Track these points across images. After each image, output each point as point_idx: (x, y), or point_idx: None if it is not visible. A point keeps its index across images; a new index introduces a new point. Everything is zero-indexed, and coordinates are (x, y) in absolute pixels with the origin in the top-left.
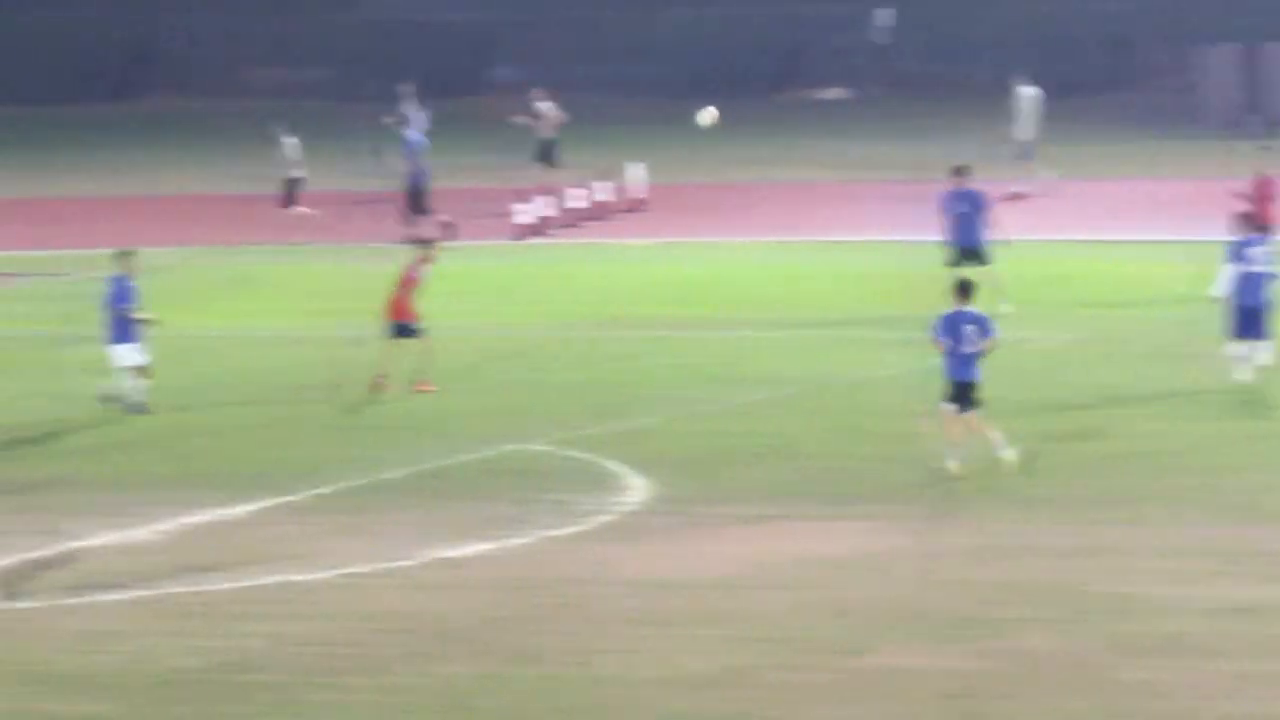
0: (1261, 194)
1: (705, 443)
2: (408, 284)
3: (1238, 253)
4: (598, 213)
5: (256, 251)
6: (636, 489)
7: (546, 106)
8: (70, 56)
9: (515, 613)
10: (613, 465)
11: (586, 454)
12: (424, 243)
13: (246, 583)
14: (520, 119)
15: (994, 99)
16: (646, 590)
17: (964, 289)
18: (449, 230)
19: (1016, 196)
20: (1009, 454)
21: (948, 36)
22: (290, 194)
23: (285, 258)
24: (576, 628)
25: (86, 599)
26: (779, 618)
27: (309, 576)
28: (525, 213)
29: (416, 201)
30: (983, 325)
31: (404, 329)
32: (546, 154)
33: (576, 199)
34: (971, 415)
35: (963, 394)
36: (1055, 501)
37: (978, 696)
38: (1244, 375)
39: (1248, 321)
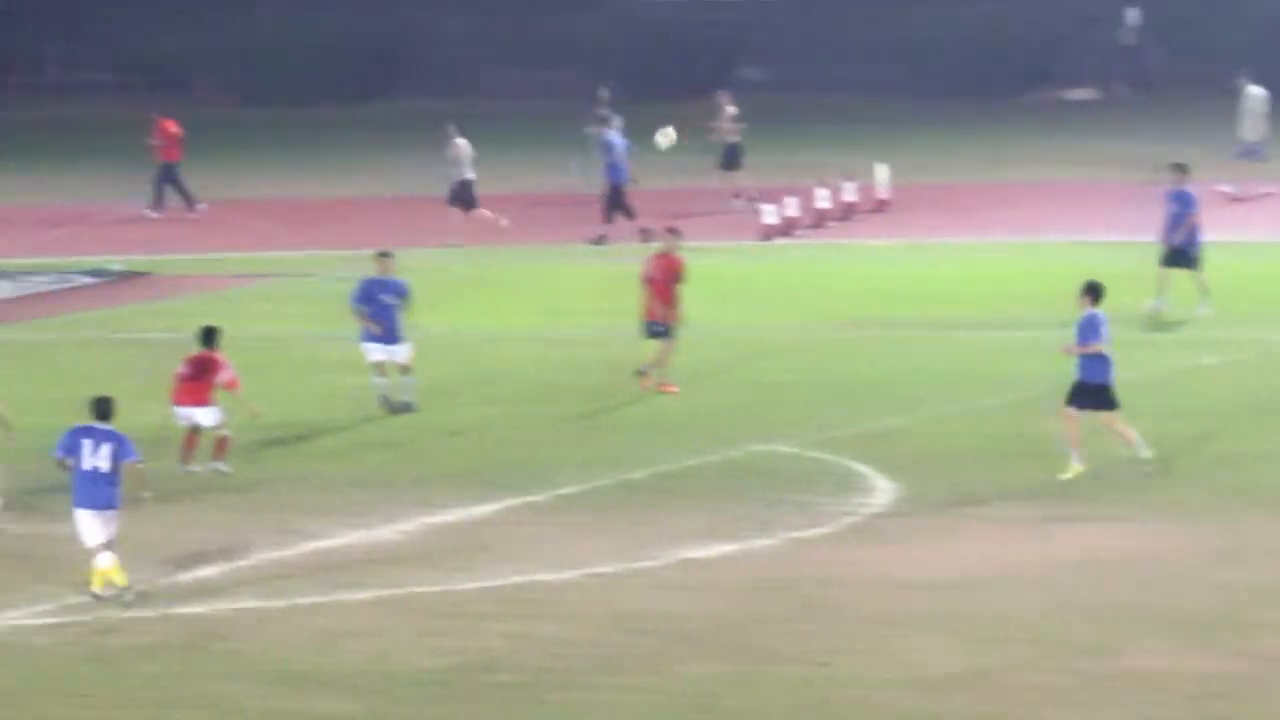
0: None
1: (951, 444)
2: (659, 283)
3: None
4: (843, 213)
5: (494, 253)
6: (882, 490)
7: (730, 111)
8: (317, 59)
9: (759, 614)
10: (858, 466)
11: (832, 455)
12: (669, 236)
13: (490, 582)
14: (711, 125)
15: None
16: (891, 591)
17: (1094, 290)
18: (645, 235)
19: (1265, 196)
20: (1146, 453)
21: (1195, 35)
22: (463, 196)
23: (520, 259)
24: (820, 629)
25: (329, 598)
26: (1024, 619)
27: (553, 576)
28: (771, 213)
29: (616, 203)
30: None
31: (655, 329)
32: (731, 158)
33: (822, 200)
34: (1111, 416)
35: (1097, 396)
36: None
37: (1228, 699)
38: None
39: None
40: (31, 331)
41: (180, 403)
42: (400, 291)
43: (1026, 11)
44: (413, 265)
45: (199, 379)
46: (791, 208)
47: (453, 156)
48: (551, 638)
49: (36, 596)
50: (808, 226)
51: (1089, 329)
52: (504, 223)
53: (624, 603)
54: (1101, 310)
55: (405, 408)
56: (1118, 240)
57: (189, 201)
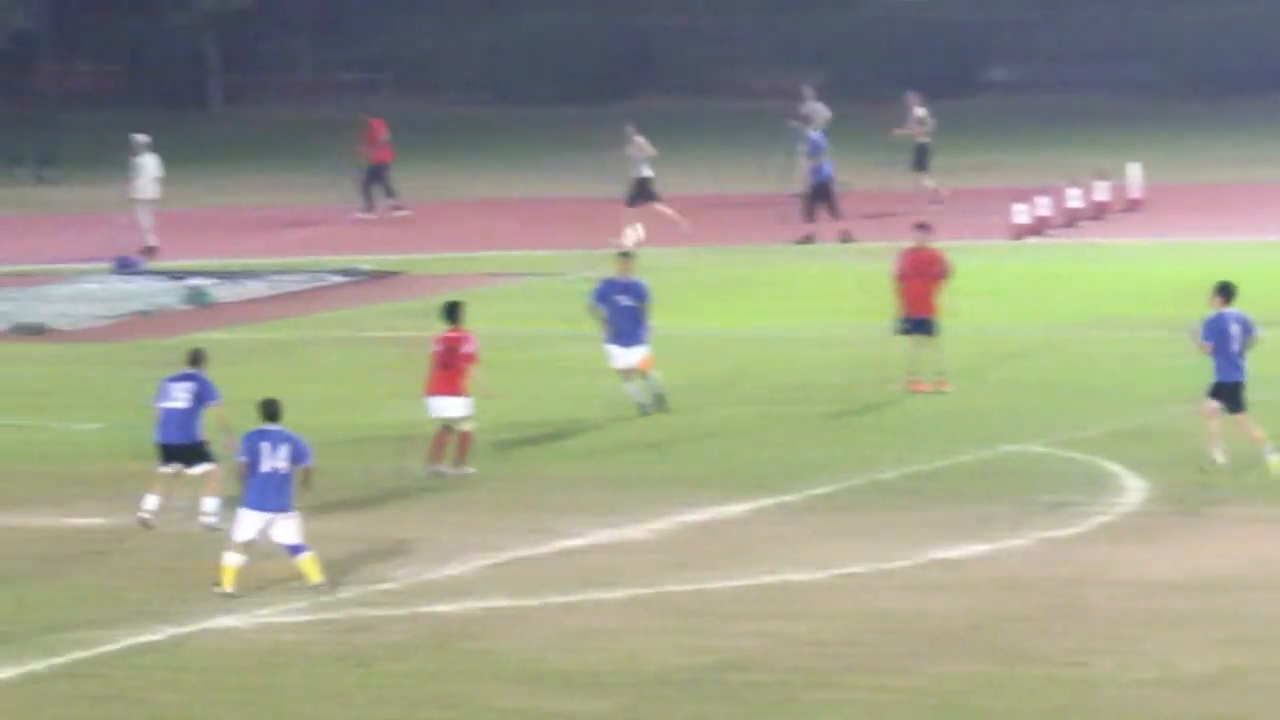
0: None
1: (1202, 443)
2: (911, 278)
3: None
4: (1095, 212)
5: (752, 251)
6: (1133, 490)
7: (922, 112)
8: (565, 59)
9: (1011, 613)
10: (1110, 466)
11: (1083, 455)
12: (920, 232)
13: (742, 582)
14: (900, 131)
15: None
16: (1143, 591)
17: (1225, 291)
18: (845, 236)
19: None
20: (1275, 458)
21: None
22: (643, 193)
23: (781, 258)
24: (1073, 628)
25: (580, 597)
26: (1278, 618)
27: (805, 576)
28: (1023, 213)
29: (820, 201)
30: (1245, 325)
31: (921, 324)
32: (920, 159)
33: (1074, 199)
34: (1241, 416)
35: (1231, 395)
36: None
37: None
38: None
39: None
40: (284, 330)
41: (434, 392)
42: (639, 294)
43: (1277, 11)
44: (655, 265)
45: (451, 365)
46: (1043, 207)
47: (631, 154)
48: (803, 637)
49: (286, 595)
50: (1060, 226)
51: (1213, 329)
52: (685, 227)
53: (875, 602)
54: (1235, 309)
55: (657, 405)
56: None
57: (395, 203)
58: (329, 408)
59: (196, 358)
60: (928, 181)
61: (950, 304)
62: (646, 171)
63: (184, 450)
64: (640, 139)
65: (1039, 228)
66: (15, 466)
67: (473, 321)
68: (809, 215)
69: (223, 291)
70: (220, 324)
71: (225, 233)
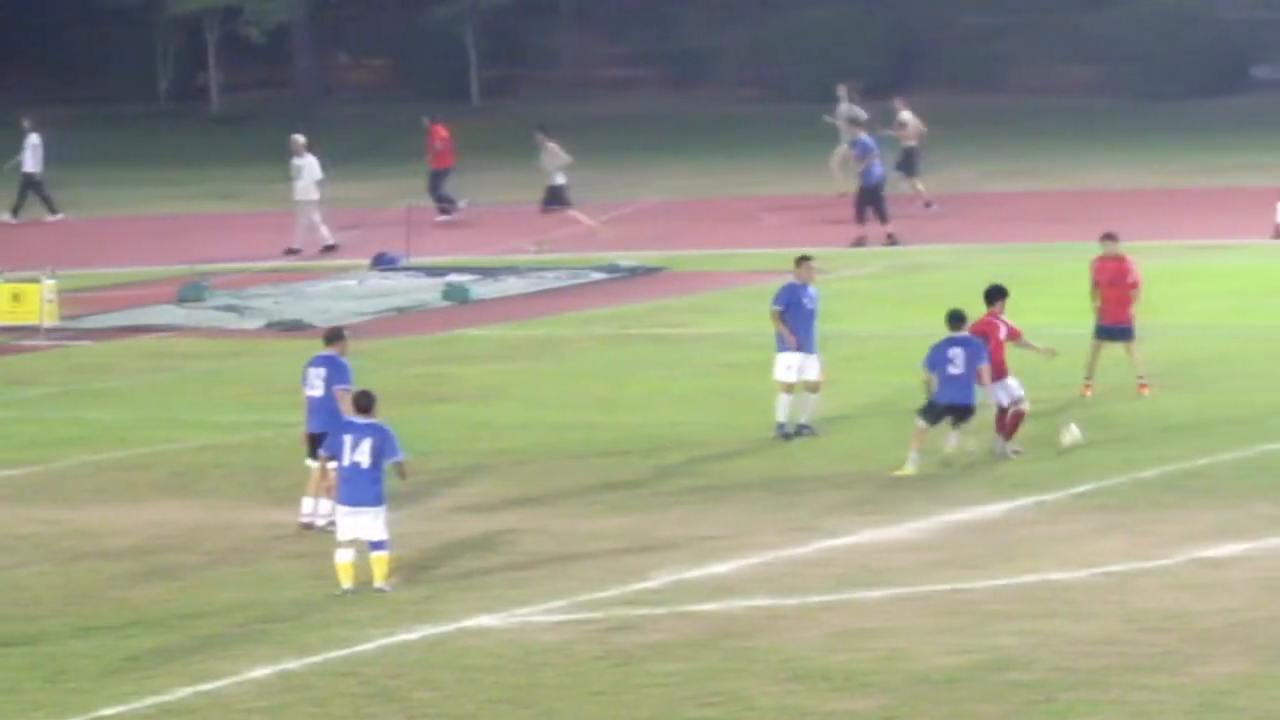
0: None
1: None
2: (1104, 286)
3: None
4: None
5: (1015, 250)
6: None
7: (908, 115)
8: (838, 54)
9: (1272, 613)
10: None
11: None
12: (1106, 240)
13: (1004, 581)
14: (888, 131)
15: None
16: None
17: (953, 319)
18: (892, 239)
19: None
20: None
21: None
22: (556, 199)
23: (1045, 256)
24: None
25: (845, 596)
26: None
27: (1066, 575)
28: None
29: (869, 204)
30: (972, 354)
31: (1108, 331)
32: (908, 163)
33: None
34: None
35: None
36: None
37: None
38: None
39: None
40: (545, 328)
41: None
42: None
43: None
44: (937, 262)
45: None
46: None
47: (544, 162)
48: (1063, 636)
49: (548, 593)
50: None
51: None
52: (602, 233)
53: (1136, 601)
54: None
55: (805, 430)
56: None
57: (447, 205)
58: (591, 405)
59: (331, 336)
60: (919, 185)
61: (1212, 304)
62: (560, 179)
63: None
64: (553, 145)
65: None
66: (272, 462)
67: (728, 320)
68: (860, 217)
69: (482, 288)
70: (480, 321)
71: (479, 229)
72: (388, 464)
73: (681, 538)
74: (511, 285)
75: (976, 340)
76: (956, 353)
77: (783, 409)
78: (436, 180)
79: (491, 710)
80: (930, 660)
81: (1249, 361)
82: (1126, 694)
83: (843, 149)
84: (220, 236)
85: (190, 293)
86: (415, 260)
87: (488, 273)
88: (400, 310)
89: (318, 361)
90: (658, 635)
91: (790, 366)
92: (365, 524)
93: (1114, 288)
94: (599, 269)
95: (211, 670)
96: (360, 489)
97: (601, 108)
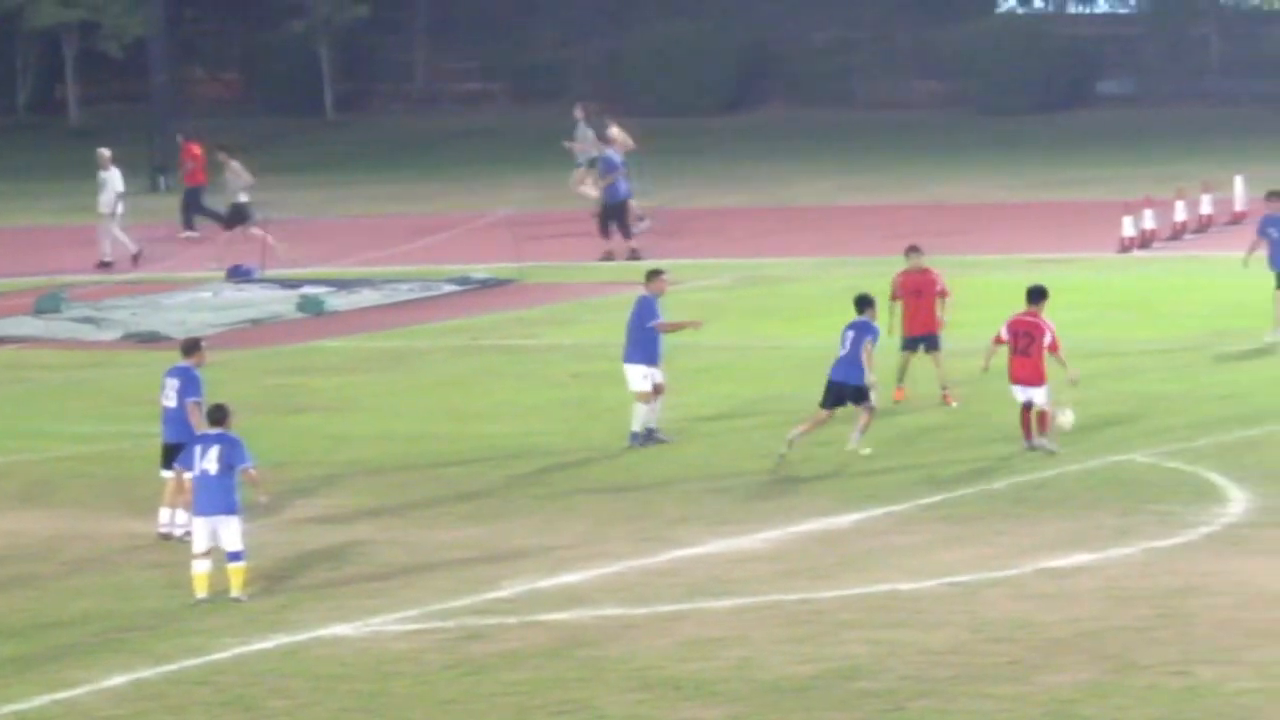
0: None
1: None
2: (906, 297)
3: None
4: (1200, 225)
5: (863, 264)
6: (1237, 501)
7: (615, 131)
8: (690, 69)
9: (1117, 622)
10: (1214, 477)
11: (1188, 466)
12: (912, 254)
13: (853, 590)
14: (568, 144)
15: None
16: (1248, 601)
17: (860, 302)
18: (634, 255)
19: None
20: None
21: None
22: (238, 217)
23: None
24: (1177, 638)
25: (695, 605)
26: None
27: (915, 585)
28: (1130, 226)
29: (614, 218)
30: (860, 332)
31: (923, 341)
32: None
33: (1180, 212)
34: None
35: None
36: None
37: None
38: None
39: None
40: (399, 339)
41: (1015, 380)
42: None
43: None
44: (787, 274)
45: (1027, 353)
46: (1149, 220)
47: (228, 179)
48: (911, 645)
49: (400, 603)
50: (1166, 239)
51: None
52: (282, 251)
53: (983, 611)
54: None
55: (650, 438)
56: None
57: (192, 227)
58: (444, 416)
59: (187, 348)
60: (588, 189)
61: (1059, 317)
62: (243, 197)
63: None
64: (236, 164)
65: (1145, 241)
66: (130, 472)
67: (570, 331)
68: (604, 232)
69: (336, 300)
70: (335, 333)
71: (337, 241)
72: (239, 472)
73: (533, 547)
74: (365, 297)
75: (870, 324)
76: (848, 335)
77: (639, 419)
78: (191, 198)
79: (344, 718)
80: (780, 669)
81: (1092, 375)
82: (974, 703)
83: (580, 170)
84: (79, 249)
85: (47, 304)
86: (270, 272)
87: (342, 285)
88: (255, 322)
89: (173, 373)
90: (509, 644)
91: (647, 376)
92: (220, 533)
93: (919, 298)
94: (451, 281)
95: (68, 679)
96: (212, 497)
97: (454, 121)
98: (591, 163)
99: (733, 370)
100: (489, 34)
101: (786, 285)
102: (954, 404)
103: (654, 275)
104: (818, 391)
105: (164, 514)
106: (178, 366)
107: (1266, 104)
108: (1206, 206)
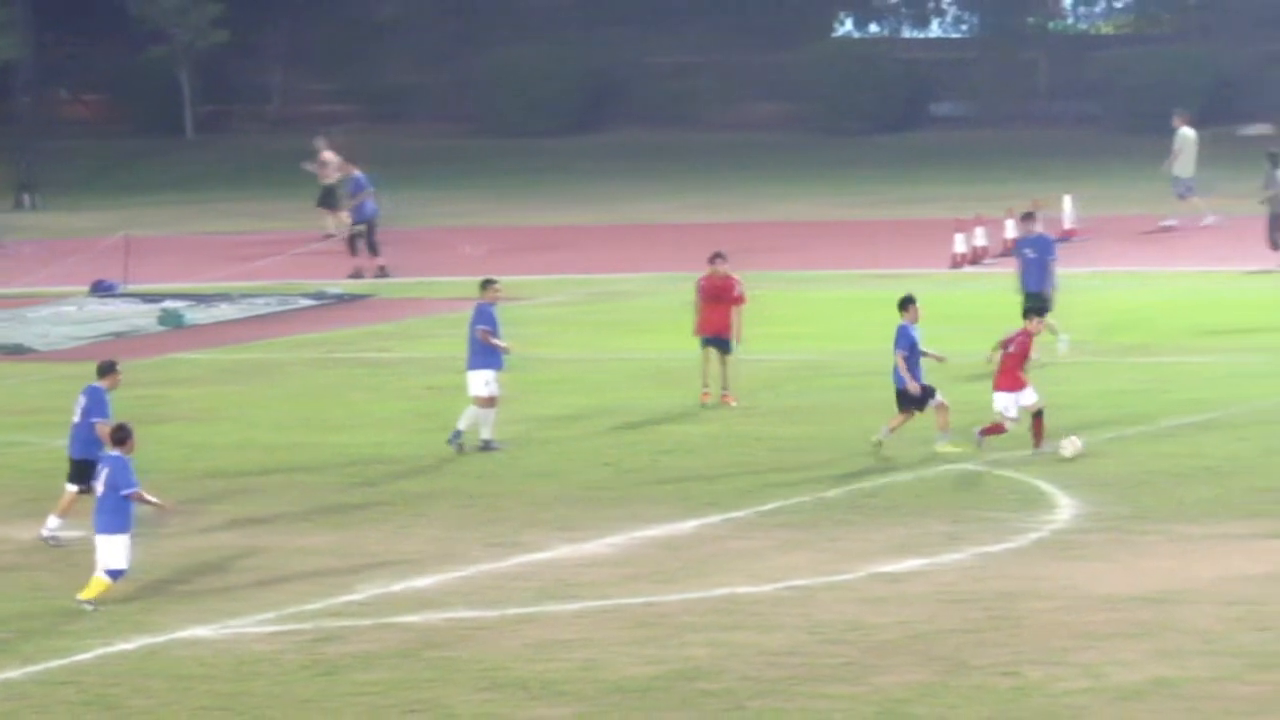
0: None
1: (1133, 464)
2: (709, 301)
3: None
4: None
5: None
6: (1065, 507)
7: (329, 155)
8: (540, 92)
9: (948, 625)
10: (1042, 484)
11: (1017, 474)
12: (716, 260)
13: (695, 594)
14: (308, 165)
15: None
16: (1076, 605)
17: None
18: (382, 272)
19: (1167, 230)
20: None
21: None
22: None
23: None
24: (1006, 640)
25: (543, 608)
26: (1202, 631)
27: (754, 589)
28: (961, 243)
29: (362, 238)
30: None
31: (716, 341)
32: (327, 199)
33: (1011, 230)
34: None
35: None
36: None
37: None
38: None
39: None
40: (258, 352)
41: (1000, 388)
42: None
43: (1207, 49)
44: (633, 289)
45: (1017, 366)
46: (980, 237)
47: None
48: (750, 647)
49: (259, 606)
50: (997, 255)
51: None
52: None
53: (820, 614)
54: None
55: (486, 445)
56: None
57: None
58: (301, 426)
59: (101, 369)
60: (330, 220)
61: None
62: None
63: (82, 467)
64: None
65: (976, 257)
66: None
67: (432, 345)
68: (353, 250)
69: (196, 314)
70: (194, 345)
71: (198, 258)
72: (124, 493)
73: (386, 553)
74: (224, 311)
75: (901, 329)
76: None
77: (467, 419)
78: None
79: (204, 717)
80: (624, 670)
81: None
82: (810, 702)
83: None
84: None
85: None
86: (133, 287)
87: (202, 299)
88: (117, 335)
89: (85, 391)
90: (363, 646)
91: (489, 382)
92: (99, 549)
93: (717, 302)
94: (308, 295)
95: None
96: (102, 516)
97: (310, 142)
98: (348, 181)
99: (580, 381)
100: (343, 58)
101: (633, 300)
102: (733, 403)
103: (488, 284)
104: (662, 400)
105: (52, 520)
106: (90, 386)
107: (1092, 125)
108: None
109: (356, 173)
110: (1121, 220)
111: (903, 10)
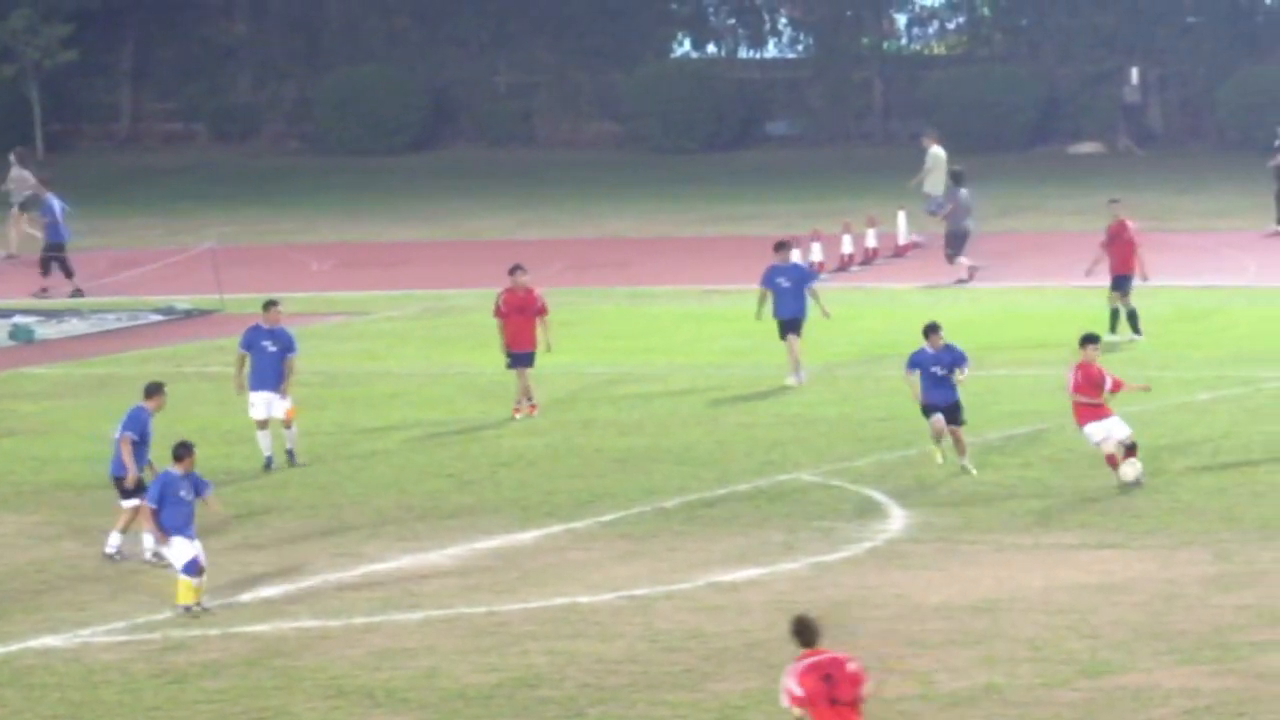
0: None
1: (963, 476)
2: (510, 316)
3: None
4: (866, 258)
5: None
6: (898, 518)
7: (22, 173)
8: (379, 111)
9: (784, 633)
10: (876, 495)
11: (852, 484)
12: (517, 273)
13: (533, 604)
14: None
15: (1235, 154)
16: (906, 613)
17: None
18: (78, 293)
19: (911, 246)
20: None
21: (1193, 95)
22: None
23: (572, 299)
24: (841, 648)
25: (383, 618)
26: (1030, 639)
27: (592, 598)
28: (798, 259)
29: (57, 262)
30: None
31: (520, 357)
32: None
33: (847, 245)
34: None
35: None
36: None
37: (1216, 713)
38: None
39: None
40: (105, 366)
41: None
42: (284, 341)
43: (1036, 70)
44: (470, 304)
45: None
46: (816, 253)
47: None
48: (590, 656)
49: (108, 615)
50: (833, 270)
51: None
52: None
53: (658, 623)
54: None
55: (291, 460)
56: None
57: None
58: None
59: (148, 390)
60: (24, 230)
61: (731, 344)
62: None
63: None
64: (53, 198)
65: (813, 272)
66: None
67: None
68: (45, 270)
69: (47, 329)
70: (43, 360)
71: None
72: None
73: (233, 563)
74: (74, 326)
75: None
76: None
77: (264, 443)
78: None
79: None
80: (465, 678)
81: (761, 398)
82: (649, 710)
83: (14, 212)
84: None
85: None
86: None
87: (51, 314)
88: None
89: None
90: (210, 655)
91: (257, 405)
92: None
93: (520, 315)
94: (157, 311)
95: None
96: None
97: (157, 160)
98: (25, 204)
99: (419, 395)
100: (190, 77)
101: (470, 314)
102: (535, 414)
103: (270, 305)
104: (500, 413)
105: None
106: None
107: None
108: (871, 240)
109: (48, 195)
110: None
111: (739, 31)
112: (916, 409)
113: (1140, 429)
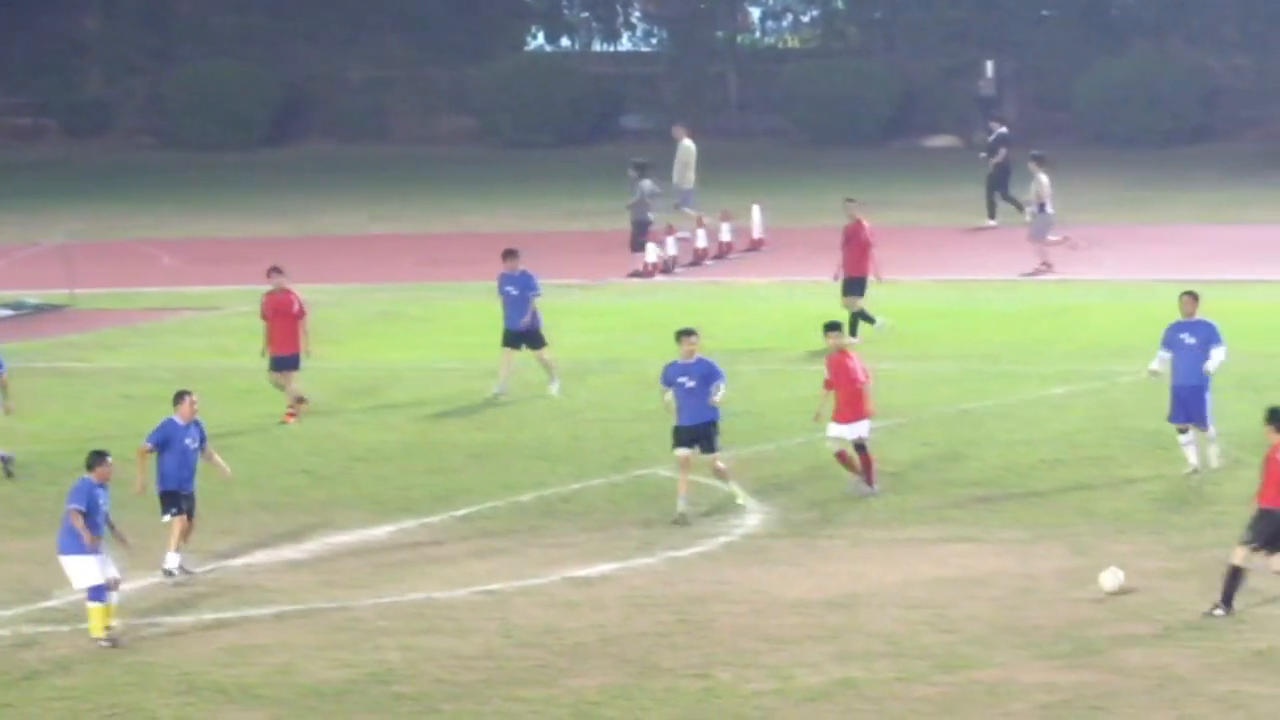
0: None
1: (820, 470)
2: (273, 318)
3: None
4: (721, 252)
5: (397, 289)
6: (755, 513)
7: None
8: (233, 105)
9: (639, 628)
10: (734, 490)
11: (709, 479)
12: (276, 275)
13: (387, 599)
14: None
15: (1092, 148)
16: (763, 607)
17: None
18: None
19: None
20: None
21: (1050, 88)
22: None
23: (426, 295)
24: (696, 643)
25: (236, 614)
26: (887, 634)
27: (446, 593)
28: (653, 252)
29: None
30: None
31: (283, 361)
32: None
33: (701, 239)
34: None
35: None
36: (1147, 526)
37: (1076, 707)
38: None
39: None
40: None
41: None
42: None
43: (891, 63)
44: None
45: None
46: (671, 247)
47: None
48: (444, 651)
49: None
50: (687, 265)
51: None
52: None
53: (513, 618)
54: None
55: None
56: (990, 279)
57: None
58: None
59: (175, 395)
60: None
61: (586, 339)
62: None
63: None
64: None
65: (668, 266)
66: None
67: (136, 355)
68: None
69: None
70: None
71: None
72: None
73: None
74: None
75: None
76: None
77: None
78: None
79: None
80: (319, 674)
81: (618, 393)
82: (505, 705)
83: None
84: None
85: None
86: None
87: None
88: None
89: (196, 423)
90: (61, 651)
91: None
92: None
93: (280, 318)
94: (6, 305)
95: None
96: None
97: (8, 155)
98: None
99: (271, 390)
100: (40, 71)
101: (321, 310)
102: (292, 422)
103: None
104: (352, 408)
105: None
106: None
107: (779, 137)
108: (726, 234)
109: None
110: (808, 232)
111: (593, 24)
112: (775, 405)
113: (997, 422)
